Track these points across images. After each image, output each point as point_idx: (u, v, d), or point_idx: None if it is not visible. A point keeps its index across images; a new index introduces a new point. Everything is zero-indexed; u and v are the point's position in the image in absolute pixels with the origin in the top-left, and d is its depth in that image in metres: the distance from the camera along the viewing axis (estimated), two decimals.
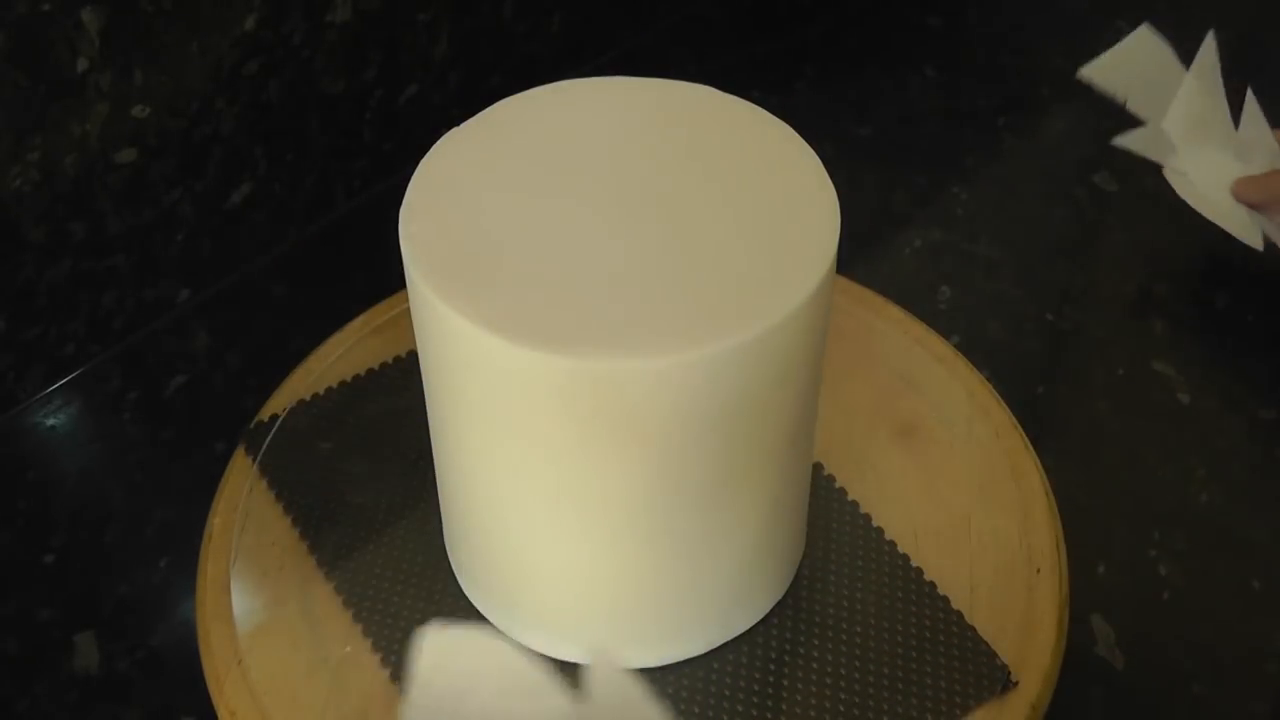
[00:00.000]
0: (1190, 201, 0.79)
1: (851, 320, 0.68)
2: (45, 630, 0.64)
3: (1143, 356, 0.78)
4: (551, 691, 0.42)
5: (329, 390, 0.70)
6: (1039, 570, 0.62)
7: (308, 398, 0.70)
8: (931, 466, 0.66)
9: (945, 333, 0.74)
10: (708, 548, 0.54)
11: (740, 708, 0.57)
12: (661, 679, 0.58)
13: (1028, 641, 0.59)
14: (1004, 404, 0.69)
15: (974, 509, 0.65)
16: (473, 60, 0.89)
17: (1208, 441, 0.72)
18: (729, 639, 0.59)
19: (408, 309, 0.53)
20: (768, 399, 0.49)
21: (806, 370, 0.51)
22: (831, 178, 0.51)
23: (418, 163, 0.52)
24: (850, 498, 0.65)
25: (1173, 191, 0.79)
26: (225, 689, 0.58)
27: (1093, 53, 0.81)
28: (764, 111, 0.55)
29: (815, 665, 0.58)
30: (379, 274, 0.67)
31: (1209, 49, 0.82)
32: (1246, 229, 0.78)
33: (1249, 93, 0.82)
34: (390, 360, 0.72)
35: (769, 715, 0.56)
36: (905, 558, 0.62)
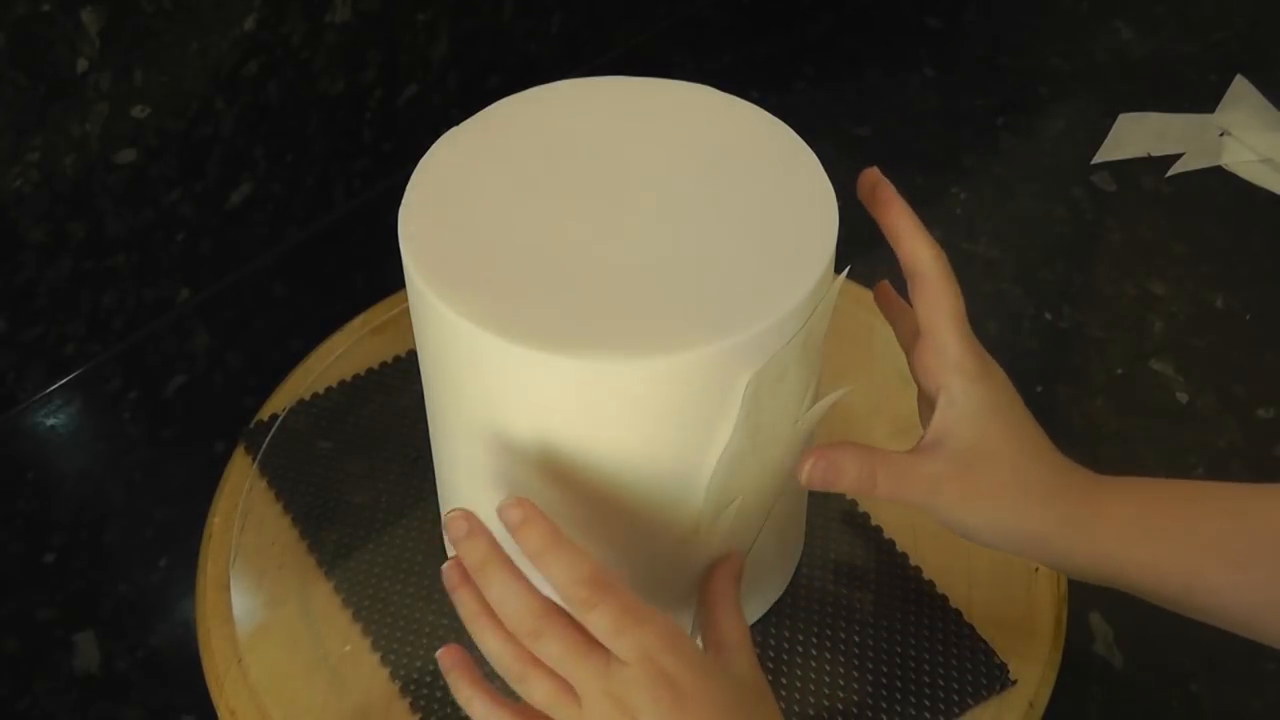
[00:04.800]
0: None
1: (851, 320, 0.68)
2: (45, 630, 0.64)
3: (1141, 356, 0.78)
4: None
5: (329, 390, 0.71)
6: (1037, 569, 0.62)
7: (307, 397, 0.70)
8: None
9: None
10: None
11: None
12: None
13: (1026, 639, 0.59)
14: None
15: None
16: (472, 61, 0.89)
17: (1205, 440, 0.72)
18: None
19: (407, 309, 0.53)
20: None
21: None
22: (831, 178, 0.51)
23: (417, 163, 0.52)
24: (849, 496, 0.65)
25: (1172, 192, 0.79)
26: (225, 688, 0.58)
27: (1091, 53, 0.81)
28: (764, 111, 0.55)
29: (814, 663, 0.58)
30: (378, 274, 0.67)
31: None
32: None
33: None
34: (390, 360, 0.72)
35: None
36: (904, 556, 0.63)
